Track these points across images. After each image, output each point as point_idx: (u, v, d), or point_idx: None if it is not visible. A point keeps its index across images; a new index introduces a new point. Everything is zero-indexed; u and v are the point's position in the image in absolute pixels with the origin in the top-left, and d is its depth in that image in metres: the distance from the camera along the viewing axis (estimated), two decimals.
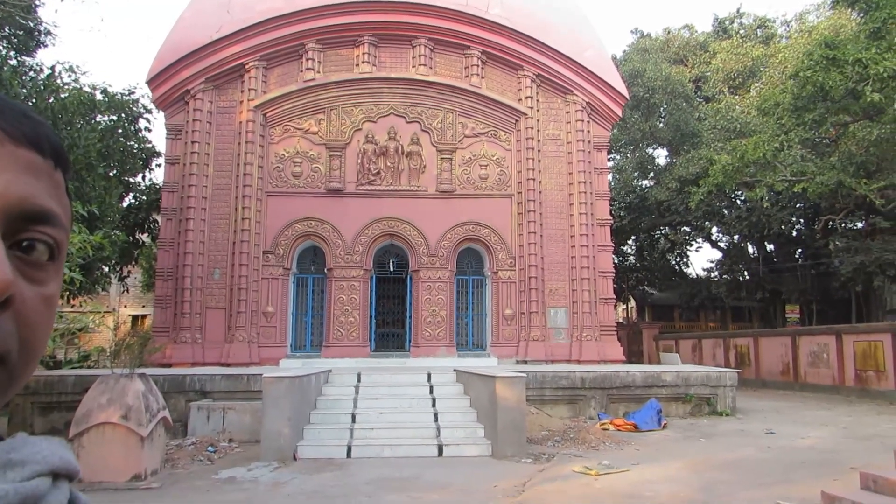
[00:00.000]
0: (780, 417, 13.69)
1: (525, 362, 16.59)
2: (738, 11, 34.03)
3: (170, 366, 15.26)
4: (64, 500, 0.54)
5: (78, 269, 9.82)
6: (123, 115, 17.27)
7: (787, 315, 30.81)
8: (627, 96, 19.42)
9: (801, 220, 29.30)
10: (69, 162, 0.58)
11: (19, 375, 0.52)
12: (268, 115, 17.75)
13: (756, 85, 28.37)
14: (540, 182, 17.96)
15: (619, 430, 11.80)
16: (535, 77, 18.40)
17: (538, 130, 18.26)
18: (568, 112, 18.48)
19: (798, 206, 26.77)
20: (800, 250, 30.73)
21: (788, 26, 32.40)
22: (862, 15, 17.63)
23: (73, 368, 17.84)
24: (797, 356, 20.47)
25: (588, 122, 18.43)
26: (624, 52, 33.54)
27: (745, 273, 32.33)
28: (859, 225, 26.51)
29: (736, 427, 12.23)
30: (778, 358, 21.40)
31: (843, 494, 5.96)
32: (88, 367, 19.76)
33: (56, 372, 14.66)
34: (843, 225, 25.83)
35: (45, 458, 0.53)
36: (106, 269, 18.51)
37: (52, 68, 14.15)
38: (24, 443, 0.54)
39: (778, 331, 24.47)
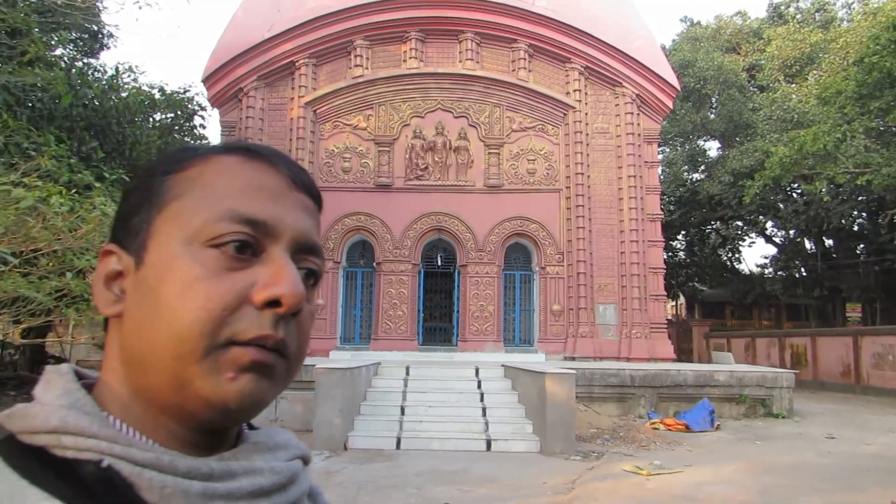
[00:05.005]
0: (841, 421, 13.21)
1: (573, 359, 16.44)
2: None
3: None
4: (308, 481, 0.66)
5: None
6: (179, 112, 17.80)
7: (847, 314, 29.65)
8: (678, 87, 18.97)
9: (864, 214, 28.06)
10: (322, 204, 0.69)
11: (294, 371, 0.61)
12: (318, 111, 18.02)
13: (815, 72, 27.24)
14: (588, 176, 17.73)
15: (669, 429, 11.59)
16: (583, 69, 18.16)
17: (586, 124, 18.02)
18: (617, 105, 18.17)
19: (860, 199, 25.65)
20: (862, 245, 29.50)
21: (850, 9, 30.93)
22: None
23: None
24: (859, 357, 19.68)
25: (638, 114, 18.09)
26: (673, 41, 32.75)
27: (802, 269, 31.22)
28: None
29: (793, 430, 11.86)
30: (838, 359, 20.62)
31: None
32: None
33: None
34: None
35: (297, 444, 0.67)
36: None
37: (116, 69, 14.68)
38: (276, 431, 0.67)
39: (838, 330, 23.59)
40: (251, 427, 0.67)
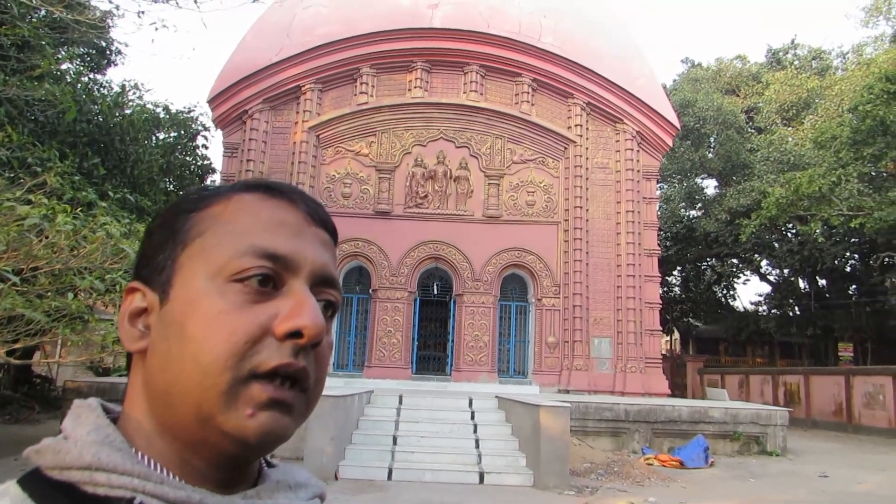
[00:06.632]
0: (834, 460, 13.18)
1: (567, 391, 16.39)
2: (792, 42, 33.58)
3: None
4: None
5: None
6: (183, 132, 17.90)
7: (839, 353, 29.71)
8: (678, 126, 19.24)
9: (857, 256, 28.37)
10: (338, 237, 0.73)
11: (312, 404, 0.63)
12: (321, 136, 18.17)
13: (811, 117, 27.76)
14: (587, 210, 17.87)
15: (664, 465, 11.53)
16: (585, 105, 18.42)
17: (587, 158, 18.22)
18: (617, 141, 18.41)
19: (853, 241, 25.94)
20: (854, 286, 29.71)
21: (845, 58, 31.70)
22: None
23: (121, 376, 18.40)
24: (851, 396, 19.70)
25: (638, 150, 18.32)
26: (675, 81, 33.35)
27: (796, 308, 31.37)
28: None
29: (787, 468, 11.83)
30: (830, 398, 20.62)
31: None
32: None
33: (107, 379, 15.13)
34: None
35: (315, 483, 0.69)
36: None
37: (122, 87, 14.79)
38: (292, 468, 0.69)
39: (830, 369, 23.62)
40: (269, 464, 0.68)
